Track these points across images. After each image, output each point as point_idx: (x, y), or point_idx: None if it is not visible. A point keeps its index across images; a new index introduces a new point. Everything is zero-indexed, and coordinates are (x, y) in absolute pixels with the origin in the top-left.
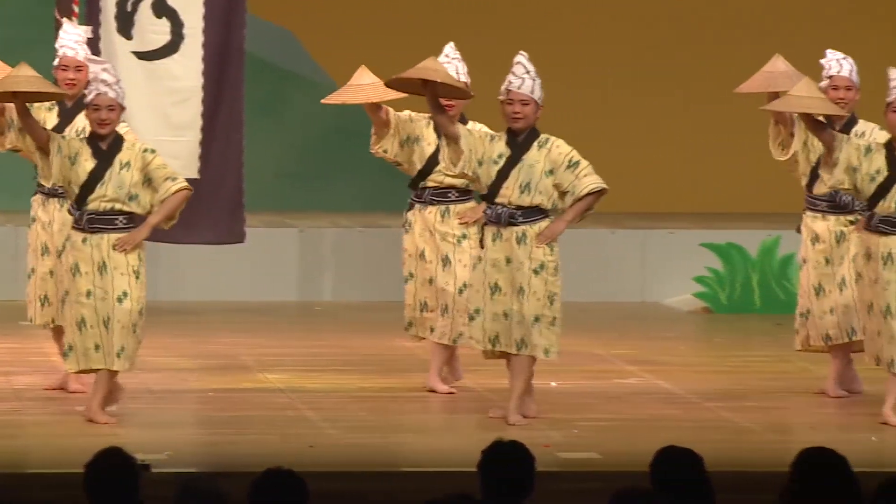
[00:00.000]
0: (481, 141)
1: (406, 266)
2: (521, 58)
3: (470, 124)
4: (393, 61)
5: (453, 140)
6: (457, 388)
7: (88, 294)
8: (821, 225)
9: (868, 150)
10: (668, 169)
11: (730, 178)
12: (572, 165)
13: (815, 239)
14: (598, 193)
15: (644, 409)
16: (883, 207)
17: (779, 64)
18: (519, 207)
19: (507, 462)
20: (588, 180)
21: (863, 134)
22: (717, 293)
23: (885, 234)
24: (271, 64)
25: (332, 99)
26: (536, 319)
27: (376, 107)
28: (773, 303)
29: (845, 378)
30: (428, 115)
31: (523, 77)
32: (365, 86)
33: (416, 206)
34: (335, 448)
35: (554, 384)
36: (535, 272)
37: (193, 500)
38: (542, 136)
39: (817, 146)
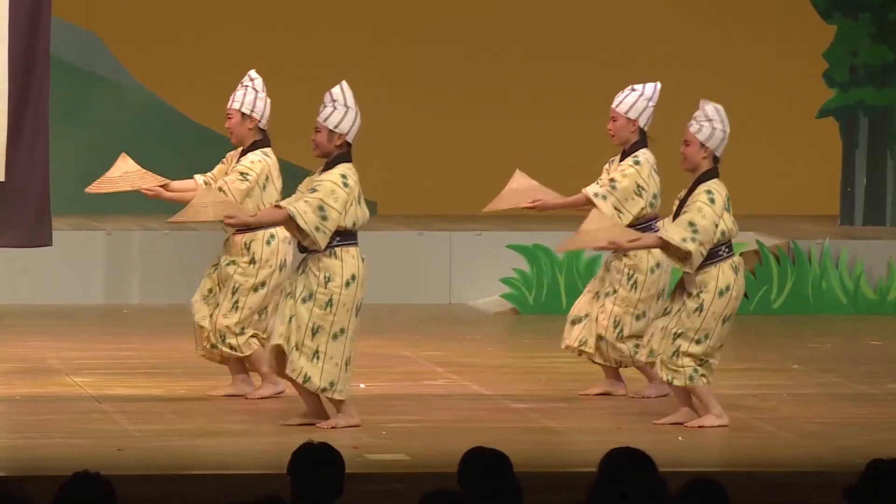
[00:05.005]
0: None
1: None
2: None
3: (265, 153)
4: (197, 64)
5: None
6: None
7: None
8: None
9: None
10: (474, 171)
11: (542, 179)
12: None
13: None
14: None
15: (452, 410)
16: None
17: (520, 181)
18: None
19: (316, 464)
20: None
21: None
22: (524, 294)
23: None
24: (76, 66)
25: (95, 189)
26: (296, 347)
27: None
28: None
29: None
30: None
31: (326, 104)
32: (118, 177)
33: None
34: (143, 451)
35: (363, 386)
36: (304, 300)
37: None
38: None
39: None
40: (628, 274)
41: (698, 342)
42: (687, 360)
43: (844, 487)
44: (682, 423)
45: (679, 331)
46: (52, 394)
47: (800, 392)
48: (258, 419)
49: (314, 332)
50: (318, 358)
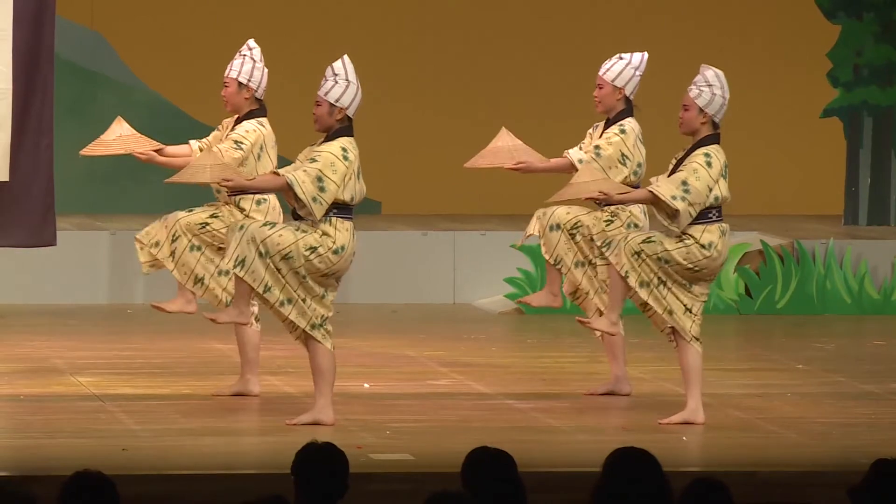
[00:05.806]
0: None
1: None
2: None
3: (260, 123)
4: (201, 64)
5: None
6: (270, 391)
7: None
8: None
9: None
10: (478, 170)
11: (540, 178)
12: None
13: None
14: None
15: (456, 410)
16: None
17: (506, 139)
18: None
19: (320, 464)
20: None
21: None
22: (528, 294)
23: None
24: (79, 65)
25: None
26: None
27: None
28: None
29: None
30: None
31: (327, 78)
32: (112, 140)
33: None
34: (147, 451)
35: (367, 385)
36: (296, 230)
37: None
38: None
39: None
40: (607, 217)
41: (659, 259)
42: (643, 266)
43: (849, 487)
44: (688, 423)
45: (653, 240)
46: (56, 393)
47: (804, 392)
48: (262, 419)
49: (285, 256)
50: (267, 260)
